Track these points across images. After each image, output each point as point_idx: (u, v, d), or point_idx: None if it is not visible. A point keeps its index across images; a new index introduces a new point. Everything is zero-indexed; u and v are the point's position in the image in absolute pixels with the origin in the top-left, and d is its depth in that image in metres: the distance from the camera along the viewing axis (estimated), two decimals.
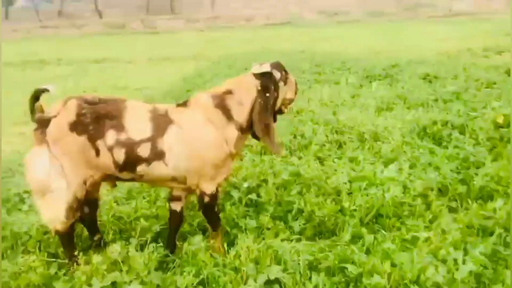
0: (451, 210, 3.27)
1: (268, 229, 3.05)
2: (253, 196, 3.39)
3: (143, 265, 2.42)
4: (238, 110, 2.63)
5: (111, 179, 2.69)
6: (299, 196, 3.44)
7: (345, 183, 3.58)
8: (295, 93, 2.87)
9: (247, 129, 2.69)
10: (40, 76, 11.29)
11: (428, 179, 3.54)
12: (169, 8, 45.15)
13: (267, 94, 2.63)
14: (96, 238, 2.85)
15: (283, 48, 13.29)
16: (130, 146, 2.50)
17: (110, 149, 2.50)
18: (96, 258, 2.41)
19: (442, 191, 3.48)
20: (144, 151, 2.51)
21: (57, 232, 2.62)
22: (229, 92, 2.66)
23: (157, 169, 2.55)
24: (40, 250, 2.83)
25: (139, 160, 2.52)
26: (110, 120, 2.51)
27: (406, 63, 8.50)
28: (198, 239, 2.74)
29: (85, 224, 2.86)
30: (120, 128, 2.51)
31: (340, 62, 9.14)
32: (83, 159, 2.51)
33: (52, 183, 2.49)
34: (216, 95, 2.65)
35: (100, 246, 2.81)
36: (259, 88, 2.63)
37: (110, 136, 2.49)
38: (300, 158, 4.29)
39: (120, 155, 2.50)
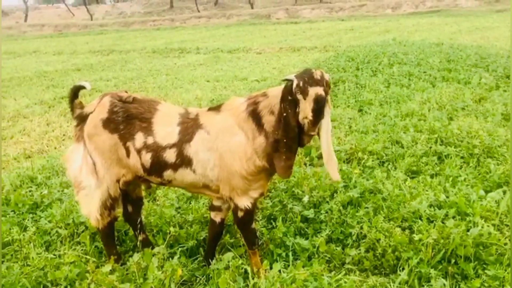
0: None
1: (319, 253, 2.69)
2: (309, 212, 3.04)
3: (157, 280, 2.27)
4: (268, 119, 2.30)
5: (145, 180, 2.61)
6: (367, 217, 2.98)
7: (429, 208, 3.00)
8: (318, 114, 2.17)
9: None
10: (176, 63, 12.08)
11: None
12: None
13: (286, 106, 2.20)
14: (140, 238, 2.82)
15: (418, 39, 12.09)
16: (156, 151, 2.39)
17: (138, 152, 2.42)
18: (106, 267, 2.34)
19: None
20: (170, 156, 2.38)
21: (97, 228, 2.65)
22: (264, 95, 2.35)
23: (185, 175, 2.40)
24: (93, 241, 2.91)
25: (166, 165, 2.40)
26: (141, 121, 2.43)
27: None
28: (229, 256, 2.52)
29: (130, 223, 2.85)
30: (148, 131, 2.41)
31: (478, 57, 7.90)
32: (115, 158, 2.47)
33: (84, 180, 2.50)
34: (252, 99, 2.36)
35: (147, 246, 2.75)
36: (280, 98, 2.25)
37: (139, 139, 2.41)
38: (387, 171, 3.75)
39: (147, 159, 2.41)
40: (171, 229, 2.89)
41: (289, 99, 2.18)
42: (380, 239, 2.71)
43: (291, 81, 2.18)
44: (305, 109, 2.15)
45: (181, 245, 2.79)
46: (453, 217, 2.87)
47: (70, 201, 3.40)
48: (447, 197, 3.14)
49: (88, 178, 2.50)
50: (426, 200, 3.07)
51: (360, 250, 2.72)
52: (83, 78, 10.62)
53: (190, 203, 3.35)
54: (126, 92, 2.57)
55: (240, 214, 2.44)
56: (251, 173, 2.33)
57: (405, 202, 3.09)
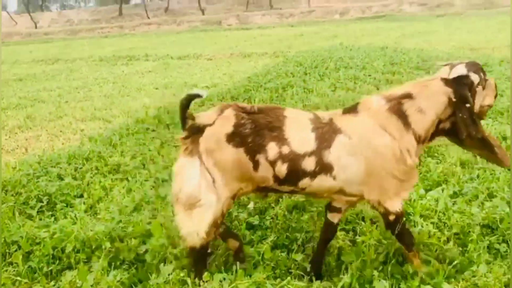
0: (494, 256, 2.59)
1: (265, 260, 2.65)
2: (255, 219, 3.01)
3: None
4: (417, 118, 2.27)
5: (265, 190, 2.46)
6: (312, 222, 2.98)
7: (372, 209, 3.03)
8: (495, 97, 2.46)
9: (424, 140, 2.35)
10: (124, 71, 11.81)
11: (468, 214, 2.87)
12: (268, 3, 45.55)
13: (468, 105, 2.26)
14: (232, 245, 2.62)
15: (363, 43, 12.45)
16: (294, 160, 2.25)
17: (272, 163, 2.27)
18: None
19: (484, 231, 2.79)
20: (309, 164, 2.26)
21: (192, 248, 2.38)
22: (408, 96, 2.31)
23: (323, 183, 2.29)
24: (26, 262, 2.74)
25: (303, 174, 2.27)
26: (271, 131, 2.28)
27: (499, 63, 7.33)
28: (168, 269, 2.43)
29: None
30: (281, 140, 2.27)
31: (420, 60, 8.22)
32: (237, 172, 2.29)
33: (202, 197, 2.28)
34: (391, 98, 2.31)
35: (242, 261, 2.56)
36: (454, 98, 2.26)
37: (272, 149, 2.26)
38: None
39: (282, 169, 2.26)
40: (107, 244, 2.77)
41: (470, 95, 2.26)
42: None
43: (464, 77, 2.28)
44: (485, 98, 2.34)
45: (120, 260, 2.68)
46: None
47: (3, 219, 3.20)
48: None
49: (208, 195, 2.28)
50: None
51: (305, 254, 2.71)
52: (25, 88, 10.17)
53: (131, 216, 3.24)
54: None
55: (392, 217, 2.36)
56: (405, 172, 2.27)
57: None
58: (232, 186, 2.30)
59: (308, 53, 11.09)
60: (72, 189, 3.77)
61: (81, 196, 3.72)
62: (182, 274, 2.37)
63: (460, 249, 2.65)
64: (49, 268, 2.65)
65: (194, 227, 2.29)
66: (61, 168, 4.29)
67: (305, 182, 2.29)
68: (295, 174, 2.26)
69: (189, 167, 2.29)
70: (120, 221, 3.16)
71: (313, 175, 2.26)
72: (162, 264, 2.52)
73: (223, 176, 2.27)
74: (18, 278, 2.56)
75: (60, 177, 4.08)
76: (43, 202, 3.57)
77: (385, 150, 2.24)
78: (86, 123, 6.65)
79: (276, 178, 2.29)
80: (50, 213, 3.45)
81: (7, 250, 2.84)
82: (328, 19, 26.67)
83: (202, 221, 2.28)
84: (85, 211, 3.45)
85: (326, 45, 13.35)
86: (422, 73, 7.27)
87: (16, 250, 2.82)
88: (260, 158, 2.26)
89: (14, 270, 2.66)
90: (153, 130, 5.46)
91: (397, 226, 2.37)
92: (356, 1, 32.12)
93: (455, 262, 2.45)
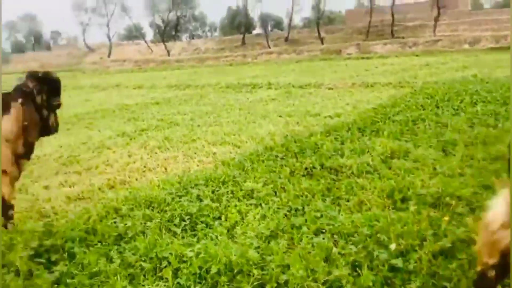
0: None
1: None
2: (397, 261, 2.86)
3: None
4: None
5: None
6: (461, 270, 2.75)
7: None
8: None
9: None
10: (249, 98, 12.33)
11: None
12: (389, 32, 44.49)
13: None
14: None
15: (499, 76, 11.44)
16: None
17: None
18: None
19: None
20: None
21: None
22: None
23: None
24: (175, 277, 2.93)
25: None
26: None
27: None
28: None
29: None
30: None
31: None
32: None
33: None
34: None
35: None
36: None
37: None
38: (480, 219, 3.48)
39: None
40: (254, 271, 2.85)
41: None
42: None
43: None
44: None
45: None
46: None
47: (153, 234, 3.48)
48: None
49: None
50: None
51: None
52: (161, 111, 11.12)
53: (267, 243, 3.30)
54: None
55: None
56: None
57: None
58: None
59: (437, 84, 10.54)
60: (211, 211, 3.97)
61: (219, 218, 3.89)
62: None
63: None
64: (196, 287, 2.79)
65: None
66: (199, 189, 4.55)
67: None
68: None
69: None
70: (258, 247, 3.24)
71: None
72: None
73: None
74: None
75: (200, 198, 4.32)
76: (185, 221, 3.81)
77: None
78: (217, 147, 7.02)
79: None
80: (192, 232, 3.66)
81: (157, 265, 3.07)
82: (456, 48, 25.21)
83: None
84: (224, 234, 3.60)
85: (456, 77, 12.58)
86: None
87: (166, 266, 3.03)
88: None
89: (164, 285, 2.85)
90: (282, 158, 5.56)
91: None
92: (487, 29, 29.97)
93: None
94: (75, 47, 71.20)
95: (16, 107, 3.83)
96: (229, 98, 12.82)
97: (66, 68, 42.75)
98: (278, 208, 4.02)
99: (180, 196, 4.42)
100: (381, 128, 6.67)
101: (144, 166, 6.26)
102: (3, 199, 3.98)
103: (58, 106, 3.89)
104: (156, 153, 6.98)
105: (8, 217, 4.07)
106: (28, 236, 3.44)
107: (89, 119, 10.53)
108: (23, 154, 4.00)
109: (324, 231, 3.41)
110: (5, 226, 4.06)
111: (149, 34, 69.51)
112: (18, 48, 76.40)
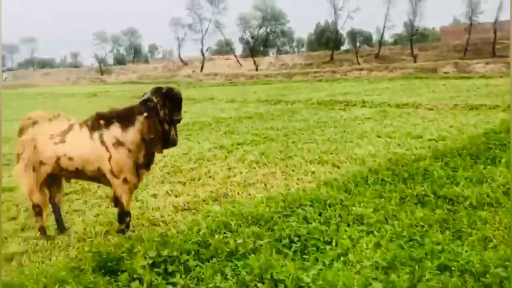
0: None
1: None
2: None
3: None
4: None
5: None
6: None
7: None
8: None
9: None
10: (343, 116, 12.09)
11: None
12: (490, 50, 41.68)
13: None
14: None
15: None
16: None
17: None
18: None
19: None
20: None
21: None
22: None
23: None
24: None
25: None
26: None
27: None
28: None
29: None
30: None
31: None
32: None
33: None
34: None
35: None
36: None
37: None
38: None
39: None
40: None
41: None
42: None
43: None
44: None
45: None
46: None
47: (265, 254, 3.44)
48: None
49: None
50: None
51: None
52: (255, 126, 11.27)
53: (386, 275, 3.10)
54: None
55: None
56: None
57: None
58: None
59: None
60: (321, 234, 3.86)
61: (330, 242, 3.76)
62: None
63: None
64: None
65: None
66: (305, 210, 4.47)
67: None
68: None
69: None
70: (376, 278, 3.07)
71: None
72: None
73: None
74: None
75: (307, 220, 4.23)
76: (295, 243, 3.73)
77: None
78: (315, 166, 6.91)
79: None
80: (303, 255, 3.57)
81: (273, 287, 3.01)
82: None
83: None
84: (335, 259, 3.47)
85: None
86: None
87: None
88: None
89: None
90: (389, 183, 5.30)
91: None
92: None
93: None
94: (170, 60, 75.48)
95: (140, 120, 4.04)
96: (322, 115, 12.67)
97: (162, 81, 45.32)
98: (392, 237, 3.80)
99: (286, 216, 4.37)
100: (498, 156, 6.14)
101: (244, 181, 6.32)
102: (122, 206, 4.20)
103: (179, 120, 4.03)
104: (254, 168, 7.03)
105: (125, 224, 4.29)
106: (147, 245, 3.56)
107: (188, 130, 10.94)
108: (143, 164, 4.20)
109: (450, 268, 3.14)
110: (123, 232, 4.28)
111: (238, 49, 71.58)
112: (119, 61, 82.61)
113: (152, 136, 3.98)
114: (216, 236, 3.81)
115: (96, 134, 4.14)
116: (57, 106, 20.80)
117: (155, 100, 3.94)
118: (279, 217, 4.29)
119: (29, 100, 27.95)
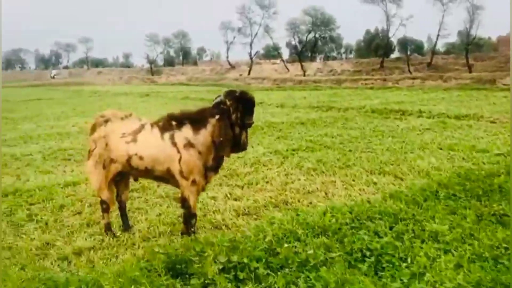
0: None
1: None
2: None
3: None
4: None
5: None
6: None
7: None
8: None
9: None
10: (399, 125, 11.71)
11: None
12: None
13: None
14: None
15: None
16: None
17: None
18: None
19: None
20: None
21: None
22: None
23: None
24: None
25: None
26: None
27: None
28: None
29: None
30: None
31: None
32: None
33: None
34: None
35: None
36: None
37: None
38: None
39: None
40: None
41: None
42: None
43: None
44: None
45: None
46: None
47: (339, 266, 3.30)
48: None
49: None
50: None
51: None
52: (308, 132, 11.11)
53: None
54: None
55: None
56: None
57: None
58: None
59: None
60: (395, 250, 3.67)
61: (405, 259, 3.57)
62: None
63: None
64: None
65: None
66: (375, 223, 4.28)
67: None
68: None
69: None
70: None
71: None
72: None
73: None
74: None
75: (377, 234, 4.05)
76: (368, 258, 3.57)
77: None
78: (376, 176, 6.68)
79: None
80: (378, 271, 3.40)
81: None
82: None
83: None
84: (413, 278, 3.28)
85: None
86: None
87: None
88: None
89: None
90: (462, 199, 5.02)
91: None
92: None
93: None
94: (218, 63, 76.49)
95: (212, 123, 4.00)
96: (377, 123, 12.34)
97: (210, 83, 45.99)
98: (473, 258, 3.56)
99: (354, 228, 4.20)
100: None
101: (303, 188, 6.19)
102: (189, 207, 4.18)
103: (250, 125, 3.96)
104: (312, 175, 6.89)
105: (191, 225, 4.26)
106: (217, 249, 3.51)
107: None
108: (212, 167, 4.17)
109: None
110: (188, 234, 4.25)
111: (285, 54, 71.59)
112: (169, 62, 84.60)
113: (222, 139, 3.93)
114: (285, 245, 3.70)
115: (167, 135, 4.14)
116: (113, 105, 21.45)
117: (228, 103, 3.89)
118: (348, 229, 4.13)
119: (85, 97, 29.03)
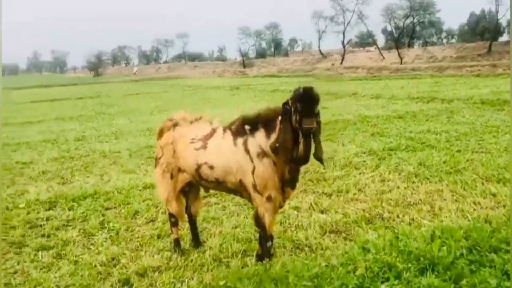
0: None
1: None
2: None
3: None
4: None
5: None
6: None
7: None
8: None
9: None
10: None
11: None
12: None
13: None
14: None
15: None
16: None
17: None
18: None
19: None
20: None
21: None
22: None
23: None
24: None
25: None
26: None
27: None
28: None
29: None
30: None
31: None
32: None
33: None
34: None
35: None
36: None
37: None
38: None
39: None
40: None
41: None
42: None
43: None
44: None
45: None
46: None
47: None
48: None
49: None
50: None
51: None
52: (408, 128, 9.93)
53: None
54: None
55: None
56: None
57: None
58: None
59: None
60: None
61: None
62: None
63: None
64: None
65: None
66: (503, 259, 3.28)
67: None
68: None
69: None
70: None
71: None
72: None
73: None
74: None
75: (506, 273, 3.08)
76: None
77: None
78: (494, 185, 5.52)
79: None
80: None
81: None
82: None
83: None
84: None
85: None
86: None
87: None
88: None
89: None
90: None
91: None
92: None
93: None
94: (309, 53, 75.21)
95: (275, 125, 3.29)
96: (488, 117, 10.73)
97: (301, 74, 45.17)
98: None
99: (474, 263, 3.25)
100: None
101: (403, 199, 5.27)
102: (264, 228, 3.53)
103: (310, 130, 3.09)
104: (413, 182, 5.90)
105: (267, 251, 3.61)
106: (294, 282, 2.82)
107: (330, 129, 10.07)
108: (289, 180, 3.46)
109: None
110: (261, 258, 3.63)
111: (380, 41, 68.09)
112: (261, 54, 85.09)
113: (277, 145, 3.19)
114: (377, 282, 2.91)
115: (240, 141, 3.51)
116: (203, 99, 21.65)
117: (290, 102, 3.14)
118: (465, 264, 3.20)
119: (179, 91, 29.90)
